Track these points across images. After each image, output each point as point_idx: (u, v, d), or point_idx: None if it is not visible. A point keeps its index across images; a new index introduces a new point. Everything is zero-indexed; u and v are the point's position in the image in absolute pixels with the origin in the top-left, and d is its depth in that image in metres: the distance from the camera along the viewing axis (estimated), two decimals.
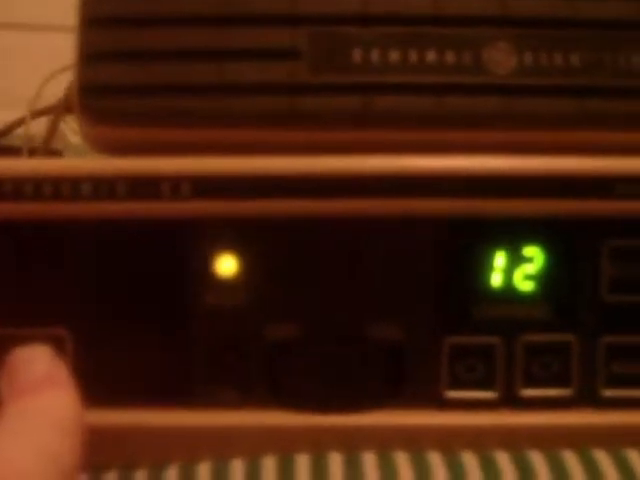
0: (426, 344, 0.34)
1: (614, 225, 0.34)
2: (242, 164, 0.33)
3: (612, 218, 0.34)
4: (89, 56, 0.36)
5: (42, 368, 0.29)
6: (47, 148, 0.55)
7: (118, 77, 0.36)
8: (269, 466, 0.33)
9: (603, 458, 0.34)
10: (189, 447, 0.34)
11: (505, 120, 0.36)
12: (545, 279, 0.34)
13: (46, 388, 0.28)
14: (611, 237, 0.34)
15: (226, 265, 0.34)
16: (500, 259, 0.34)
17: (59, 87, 0.55)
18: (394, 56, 0.36)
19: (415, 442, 0.35)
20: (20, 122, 0.60)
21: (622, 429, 0.35)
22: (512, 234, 0.34)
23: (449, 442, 0.35)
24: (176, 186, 0.33)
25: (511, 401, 0.35)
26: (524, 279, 0.34)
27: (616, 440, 0.35)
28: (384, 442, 0.35)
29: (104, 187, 0.33)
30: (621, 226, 0.34)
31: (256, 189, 0.33)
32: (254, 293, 0.34)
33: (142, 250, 0.34)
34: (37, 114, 0.58)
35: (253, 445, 0.34)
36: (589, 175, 0.34)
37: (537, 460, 0.34)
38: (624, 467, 0.33)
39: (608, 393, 0.35)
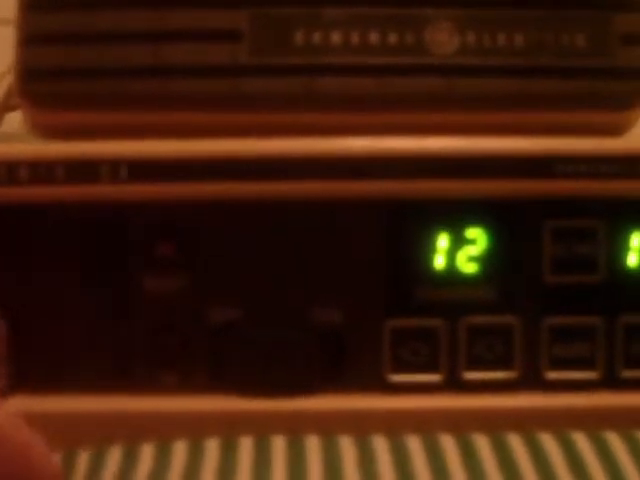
0: (368, 327, 0.34)
1: (555, 205, 0.33)
2: (181, 147, 0.33)
3: (552, 198, 0.33)
4: (28, 40, 0.36)
5: None
6: None
7: (57, 60, 0.36)
8: (212, 449, 0.33)
9: (548, 440, 0.33)
10: (130, 431, 0.34)
11: (447, 101, 0.36)
12: (488, 261, 0.34)
13: None
14: (552, 217, 0.33)
15: (166, 248, 0.33)
16: (443, 241, 0.34)
17: None
18: (336, 37, 0.36)
19: (359, 426, 0.34)
20: None
21: (566, 411, 0.34)
22: (454, 216, 0.34)
23: (393, 426, 0.34)
24: (114, 169, 0.33)
25: (455, 384, 0.34)
26: (467, 261, 0.34)
27: (561, 422, 0.34)
28: (328, 426, 0.34)
29: (42, 171, 0.33)
30: (562, 206, 0.34)
31: (195, 172, 0.33)
32: (194, 276, 0.34)
33: (81, 234, 0.33)
34: None
35: (195, 429, 0.34)
36: (529, 155, 0.33)
37: (482, 443, 0.33)
38: (569, 449, 0.33)
39: (552, 375, 0.34)
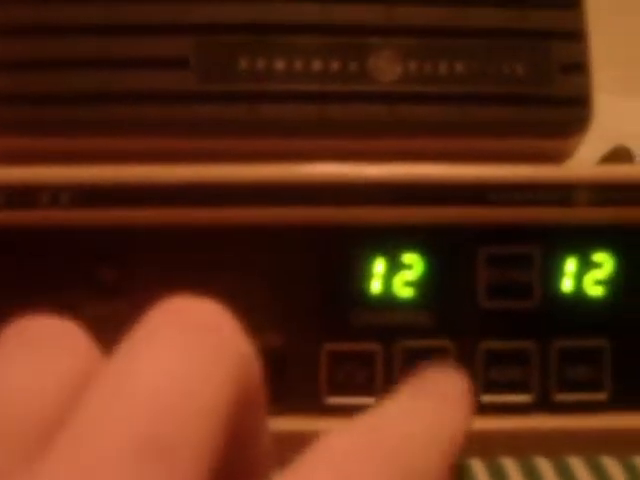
0: (306, 351, 0.35)
1: (489, 232, 0.34)
2: (122, 173, 0.34)
3: (486, 225, 0.34)
4: None
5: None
6: None
7: (1, 85, 0.36)
8: None
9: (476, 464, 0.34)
10: None
11: (389, 128, 0.37)
12: (424, 286, 0.35)
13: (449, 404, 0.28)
14: (487, 243, 0.34)
15: (106, 274, 0.34)
16: (380, 266, 0.34)
17: None
18: (279, 64, 0.37)
19: (296, 448, 0.35)
20: None
21: (499, 434, 0.35)
22: (391, 241, 0.34)
23: None
24: (55, 195, 0.33)
25: None
26: (404, 285, 0.35)
27: (512, 442, 0.35)
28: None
29: None
30: (496, 233, 0.34)
31: (136, 198, 0.34)
32: (135, 302, 0.34)
33: (21, 259, 0.34)
34: None
35: None
36: (463, 183, 0.34)
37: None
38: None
39: (486, 399, 0.35)
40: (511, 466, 0.33)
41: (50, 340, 0.22)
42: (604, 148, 0.45)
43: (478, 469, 0.32)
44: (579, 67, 0.37)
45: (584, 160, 0.41)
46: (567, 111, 0.37)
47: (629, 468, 0.34)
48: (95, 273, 0.34)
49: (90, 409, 0.18)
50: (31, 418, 0.19)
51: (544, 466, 0.33)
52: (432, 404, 0.27)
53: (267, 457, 0.25)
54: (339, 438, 0.23)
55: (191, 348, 0.20)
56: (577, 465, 0.34)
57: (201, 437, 0.19)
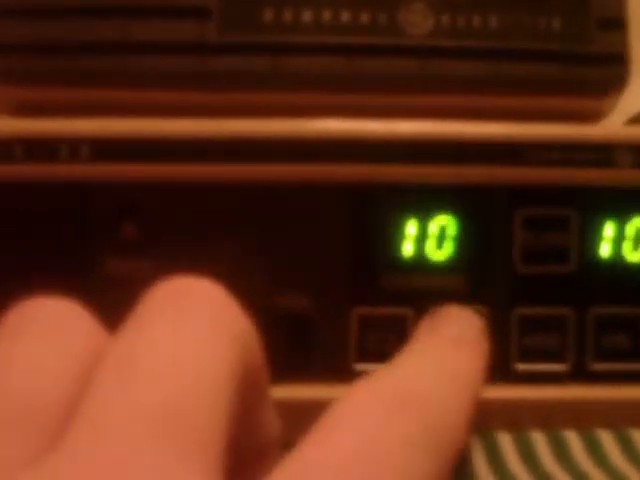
0: (335, 315, 0.33)
1: (524, 193, 0.33)
2: (143, 126, 0.32)
3: (522, 186, 0.32)
4: None
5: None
6: None
7: (18, 35, 0.34)
8: None
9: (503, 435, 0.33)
10: None
11: (420, 83, 0.35)
12: (457, 249, 0.33)
13: (465, 347, 0.28)
14: (522, 205, 0.33)
15: (128, 230, 0.32)
16: (412, 227, 0.33)
17: None
18: (307, 16, 0.35)
19: None
20: None
21: (532, 403, 0.33)
22: (424, 202, 0.33)
23: None
24: (75, 148, 0.32)
25: None
26: (436, 249, 0.33)
27: (544, 414, 0.34)
28: (293, 415, 0.33)
29: (1, 149, 0.32)
30: (532, 194, 0.33)
31: (158, 152, 0.32)
32: (158, 259, 0.33)
33: (41, 214, 0.32)
34: None
35: None
36: (500, 141, 0.32)
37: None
38: (522, 441, 0.33)
39: (521, 367, 0.33)
40: (540, 440, 0.32)
41: (59, 321, 0.22)
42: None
43: (505, 443, 0.31)
44: (617, 23, 0.36)
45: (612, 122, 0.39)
46: (605, 69, 0.35)
47: None
48: (117, 229, 0.32)
49: (102, 391, 0.19)
50: (51, 400, 0.20)
51: (575, 443, 0.32)
52: (449, 350, 0.28)
53: (273, 436, 0.25)
54: (362, 394, 0.23)
55: (193, 327, 0.20)
56: (607, 441, 0.32)
57: (213, 413, 0.19)
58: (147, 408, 0.18)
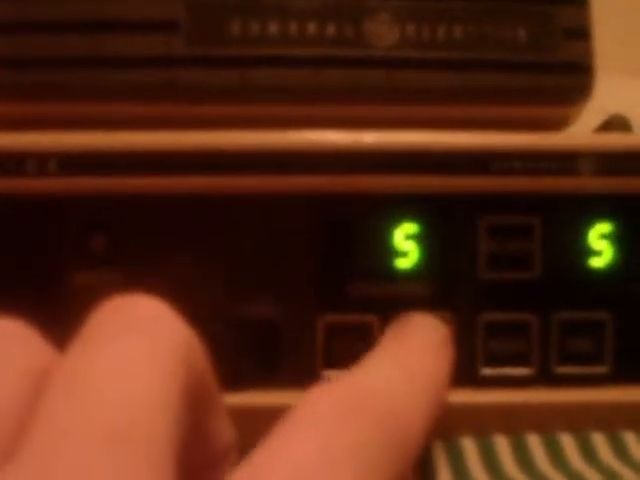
0: (302, 323, 0.34)
1: (489, 201, 0.33)
2: (111, 139, 0.33)
3: (487, 194, 0.33)
4: None
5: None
6: None
7: None
8: None
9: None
10: None
11: (387, 94, 0.35)
12: (423, 257, 0.34)
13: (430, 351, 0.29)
14: (486, 213, 0.33)
15: (97, 243, 0.33)
16: (377, 236, 0.33)
17: None
18: (273, 28, 0.35)
19: None
20: None
21: (498, 407, 0.34)
22: (389, 211, 0.33)
23: None
24: (43, 162, 0.32)
25: None
26: (402, 257, 0.34)
27: (508, 417, 0.34)
28: (260, 422, 0.34)
29: None
30: (496, 202, 0.33)
31: (126, 165, 0.32)
32: (126, 271, 0.33)
33: (9, 228, 0.33)
34: None
35: None
36: (464, 151, 0.33)
37: None
38: (486, 447, 0.33)
39: (486, 372, 0.34)
40: (503, 443, 0.32)
41: (3, 339, 0.22)
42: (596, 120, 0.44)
43: (469, 447, 0.32)
44: (582, 33, 0.36)
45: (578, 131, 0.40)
46: (570, 78, 0.36)
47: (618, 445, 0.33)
48: (86, 243, 0.33)
49: (50, 408, 0.19)
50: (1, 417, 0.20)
51: (537, 447, 0.32)
52: (412, 354, 0.28)
53: (226, 443, 0.25)
54: (318, 398, 0.23)
55: (133, 343, 0.21)
56: (569, 444, 0.33)
57: (161, 425, 0.19)
58: (95, 424, 0.19)
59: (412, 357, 0.29)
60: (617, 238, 0.34)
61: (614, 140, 0.34)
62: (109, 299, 0.23)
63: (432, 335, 0.30)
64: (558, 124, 0.37)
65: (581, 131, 0.39)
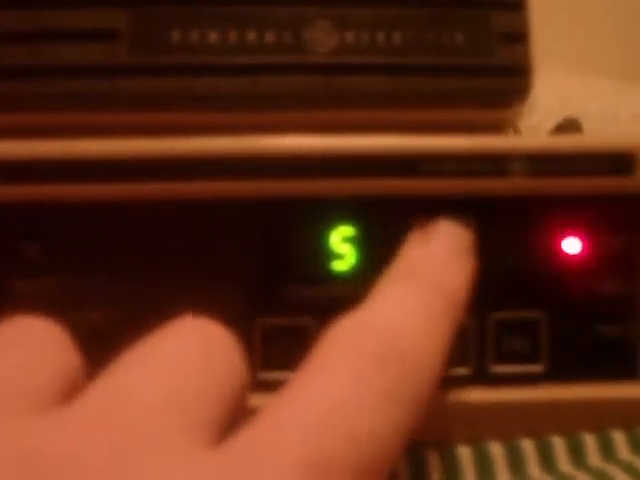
0: (239, 327, 0.34)
1: (422, 204, 0.34)
2: (46, 147, 0.33)
3: (420, 197, 0.34)
4: None
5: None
6: None
7: None
8: None
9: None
10: None
11: (325, 99, 0.36)
12: (358, 259, 0.34)
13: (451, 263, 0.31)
14: (419, 215, 0.34)
15: (32, 250, 0.34)
16: (313, 239, 0.34)
17: None
18: (213, 37, 0.36)
19: None
20: None
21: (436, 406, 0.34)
22: (324, 214, 0.34)
23: None
24: None
25: None
26: (337, 259, 0.34)
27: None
28: None
29: None
30: (429, 205, 0.34)
31: (61, 172, 0.33)
32: (62, 278, 0.34)
33: None
34: None
35: None
36: (395, 154, 0.33)
37: None
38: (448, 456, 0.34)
39: None
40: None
41: (41, 340, 0.24)
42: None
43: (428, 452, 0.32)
44: (519, 37, 0.37)
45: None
46: (507, 81, 0.37)
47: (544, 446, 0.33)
48: (21, 250, 0.33)
49: (118, 372, 0.23)
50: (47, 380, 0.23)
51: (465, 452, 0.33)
52: (436, 269, 0.30)
53: None
54: (344, 341, 0.26)
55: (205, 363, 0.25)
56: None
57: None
58: (156, 391, 0.22)
59: (432, 274, 0.30)
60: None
61: (545, 142, 0.34)
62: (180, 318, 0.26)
63: (455, 242, 0.32)
64: (497, 127, 0.38)
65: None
